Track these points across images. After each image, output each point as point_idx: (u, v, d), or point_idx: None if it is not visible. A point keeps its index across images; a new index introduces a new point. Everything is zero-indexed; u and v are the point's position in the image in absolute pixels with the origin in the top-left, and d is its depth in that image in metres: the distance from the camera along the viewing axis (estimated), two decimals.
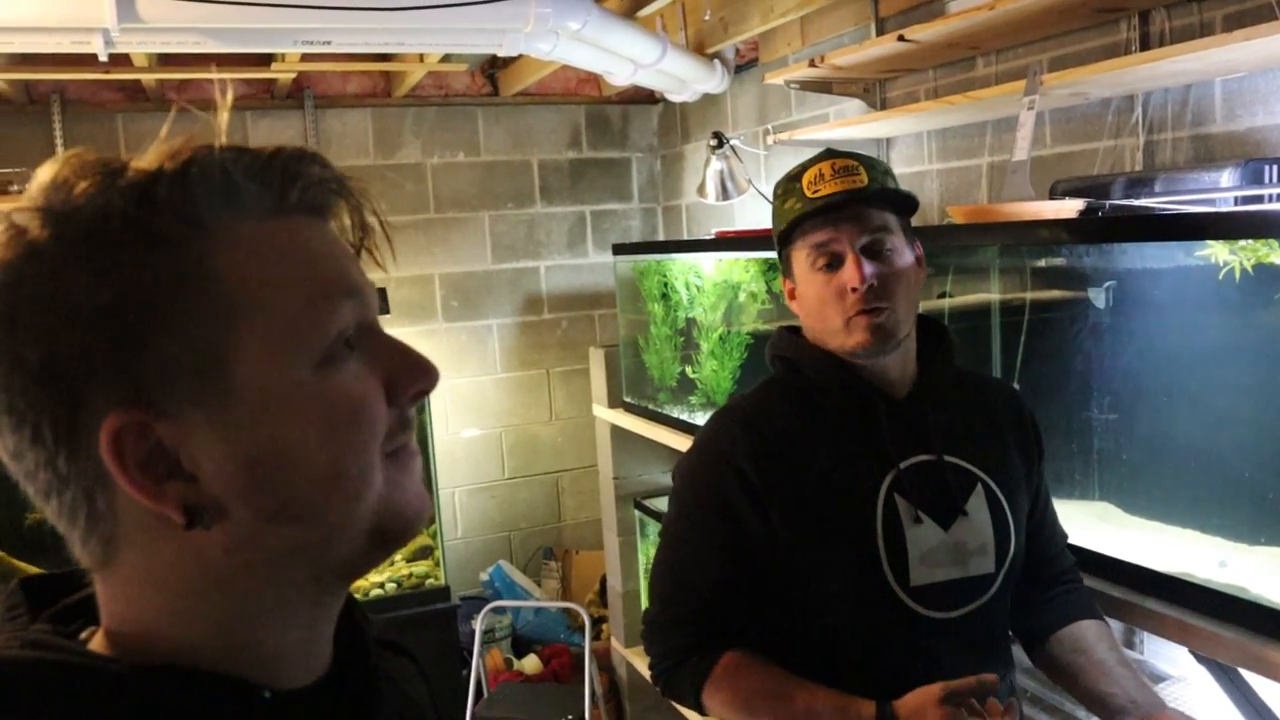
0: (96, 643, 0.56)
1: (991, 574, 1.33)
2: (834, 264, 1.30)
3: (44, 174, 0.53)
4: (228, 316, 0.53)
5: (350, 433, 0.55)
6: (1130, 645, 2.05)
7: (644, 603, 3.39)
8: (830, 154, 1.33)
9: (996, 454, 1.38)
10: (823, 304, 1.31)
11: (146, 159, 0.54)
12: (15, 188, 3.12)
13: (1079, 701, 1.37)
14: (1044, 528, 1.45)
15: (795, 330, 1.42)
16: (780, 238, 1.37)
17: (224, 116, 0.58)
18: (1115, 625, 2.03)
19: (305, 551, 0.56)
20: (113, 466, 0.51)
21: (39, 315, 0.50)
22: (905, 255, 1.32)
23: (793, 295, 1.39)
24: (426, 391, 0.60)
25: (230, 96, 0.60)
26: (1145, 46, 1.97)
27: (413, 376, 0.59)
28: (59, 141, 3.35)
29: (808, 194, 1.31)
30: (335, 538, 0.56)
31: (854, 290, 1.28)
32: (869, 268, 1.28)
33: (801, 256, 1.33)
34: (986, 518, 1.33)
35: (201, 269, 0.53)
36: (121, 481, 0.51)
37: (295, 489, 0.54)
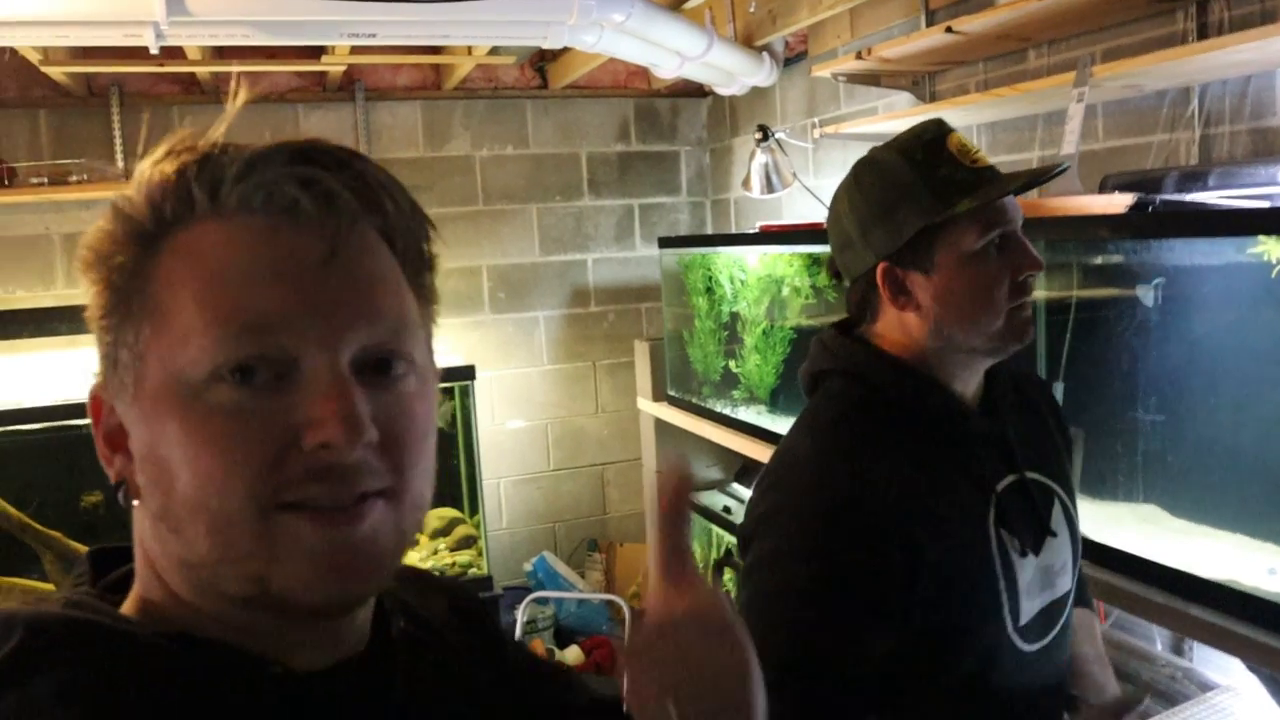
0: (127, 607, 0.59)
1: (1069, 590, 1.22)
2: (1001, 246, 1.12)
3: (142, 164, 0.59)
4: (148, 317, 0.56)
5: (212, 467, 0.53)
6: (1179, 652, 1.99)
7: None
8: (947, 124, 1.15)
9: (1057, 458, 1.28)
10: (985, 295, 1.11)
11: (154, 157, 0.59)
12: (74, 178, 3.21)
13: None
14: None
15: (847, 334, 1.23)
16: (925, 214, 1.11)
17: (230, 116, 0.59)
18: (1164, 633, 1.98)
19: (198, 569, 0.56)
20: (93, 428, 0.60)
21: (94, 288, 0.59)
22: None
23: (900, 290, 1.15)
24: (329, 447, 0.53)
25: (241, 97, 0.60)
26: (1203, 37, 1.91)
27: (315, 428, 0.53)
28: (117, 133, 3.42)
29: (966, 163, 1.10)
30: (222, 573, 0.55)
31: (1026, 279, 1.12)
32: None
33: (967, 238, 1.10)
34: (1066, 533, 1.21)
35: (149, 270, 0.56)
36: (96, 442, 0.60)
37: (169, 500, 0.55)
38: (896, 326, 1.18)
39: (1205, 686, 1.83)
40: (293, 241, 0.55)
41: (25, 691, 0.51)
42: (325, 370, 0.54)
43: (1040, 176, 1.15)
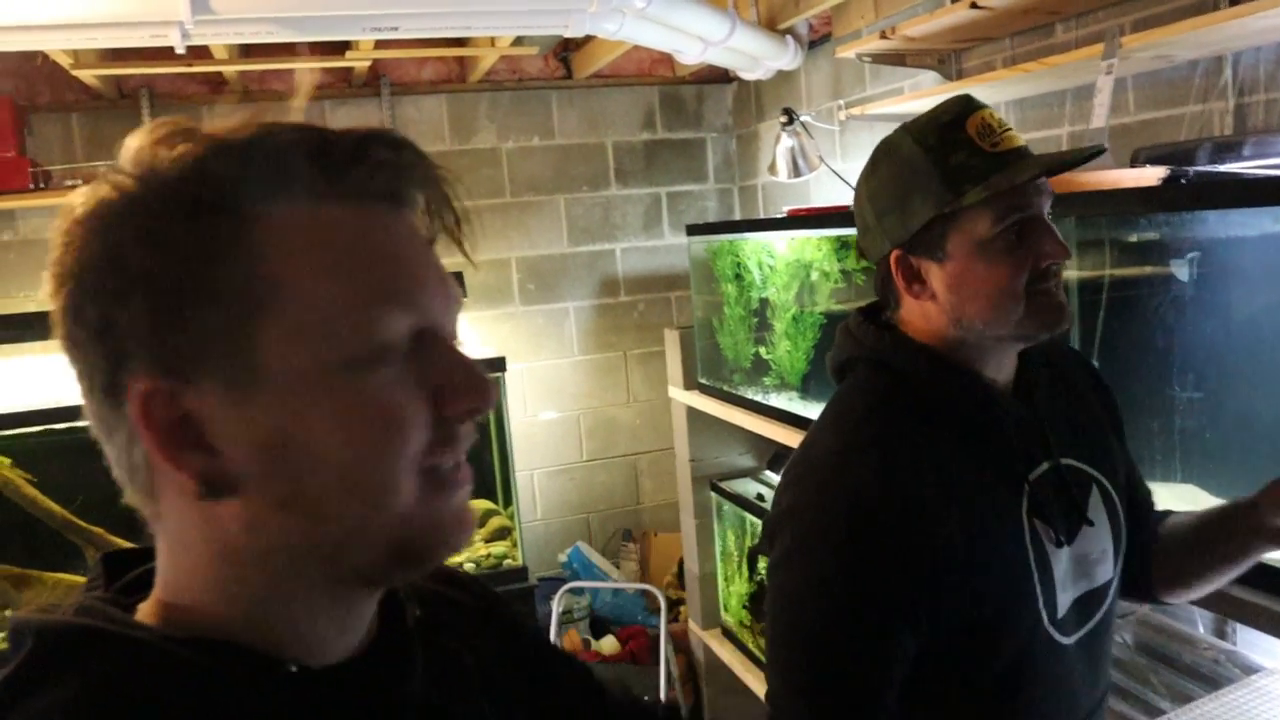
0: (144, 610, 0.58)
1: (1110, 579, 1.18)
2: (1020, 234, 1.07)
3: (131, 139, 0.56)
4: (262, 297, 0.53)
5: (375, 439, 0.55)
6: (1222, 635, 1.96)
7: (720, 587, 3.37)
8: (974, 101, 1.10)
9: (1097, 440, 1.23)
10: (1000, 285, 1.07)
11: (218, 132, 0.55)
12: None
13: (1211, 551, 1.20)
14: (1137, 485, 1.31)
15: (873, 320, 1.20)
16: (936, 203, 1.08)
17: (300, 101, 0.59)
18: (1206, 616, 1.95)
19: (317, 549, 0.56)
20: (139, 428, 0.53)
21: (98, 274, 0.53)
22: None
23: (914, 279, 1.12)
24: (477, 411, 0.58)
25: (309, 81, 0.62)
26: (1235, 3, 1.86)
27: (462, 394, 0.57)
28: None
29: (984, 147, 1.05)
30: (351, 543, 0.56)
31: (1048, 266, 1.07)
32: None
33: (979, 226, 1.06)
34: (1105, 521, 1.17)
35: (244, 246, 0.53)
36: (146, 443, 0.54)
37: (308, 482, 0.54)
38: (919, 314, 1.15)
39: (1249, 669, 1.80)
40: (409, 224, 0.58)
41: (36, 702, 0.51)
42: (451, 342, 0.59)
43: (1066, 160, 1.08)
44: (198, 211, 0.53)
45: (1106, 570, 1.17)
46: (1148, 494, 1.33)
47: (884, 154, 1.15)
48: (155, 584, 0.59)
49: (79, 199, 0.55)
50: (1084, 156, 1.10)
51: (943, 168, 1.07)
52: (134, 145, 0.55)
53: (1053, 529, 1.11)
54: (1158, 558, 1.25)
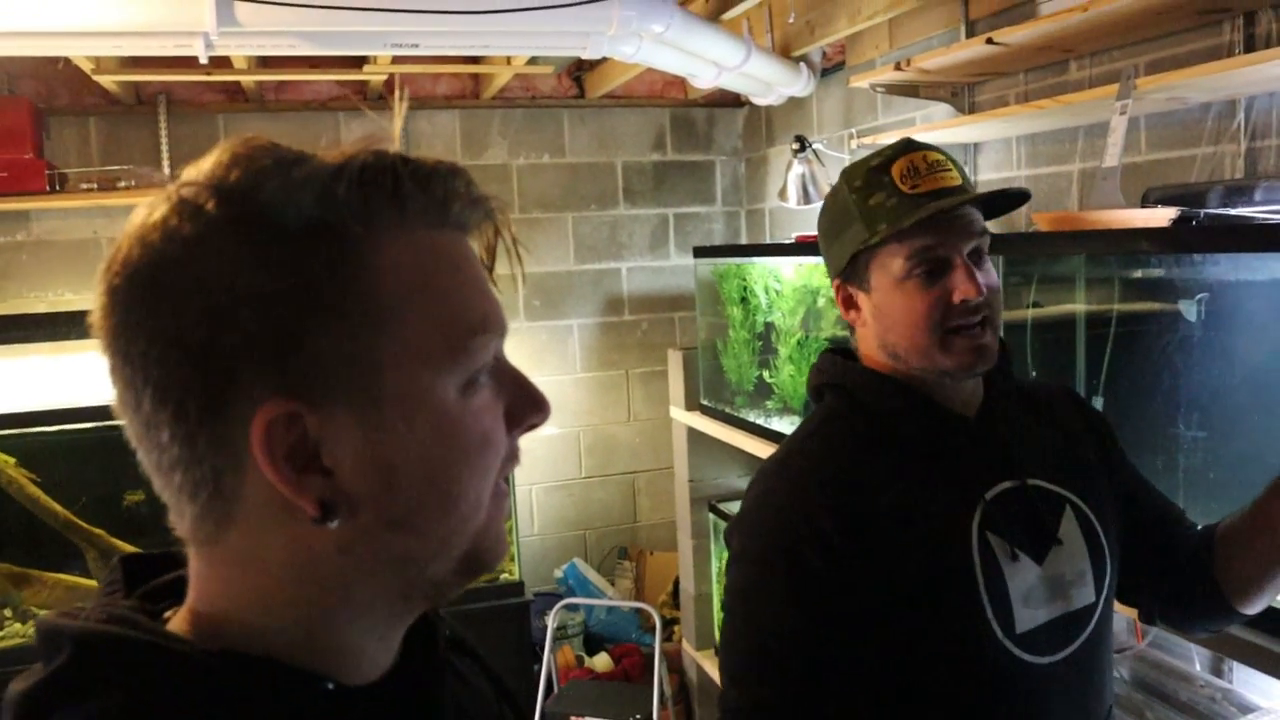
0: (176, 622, 0.57)
1: (1093, 603, 1.19)
2: (934, 273, 1.14)
3: (217, 154, 0.54)
4: (386, 320, 0.53)
5: (478, 459, 0.57)
6: (1219, 673, 1.97)
7: (716, 608, 3.37)
8: (914, 145, 1.17)
9: (1076, 466, 1.25)
10: (914, 319, 1.14)
11: (325, 155, 0.54)
12: (122, 184, 3.28)
13: (1269, 538, 1.18)
14: (1157, 507, 1.31)
15: (841, 353, 1.28)
16: (856, 239, 1.17)
17: (398, 123, 0.60)
18: (1203, 653, 1.96)
19: (409, 564, 0.57)
20: (260, 454, 0.51)
21: (206, 295, 0.51)
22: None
23: (850, 305, 1.22)
24: (539, 425, 0.61)
25: (405, 103, 0.63)
26: (1250, 49, 1.89)
27: (531, 411, 0.60)
28: (164, 141, 3.49)
29: (903, 189, 1.13)
30: (438, 558, 0.57)
31: (963, 303, 1.12)
32: (980, 278, 1.13)
33: (894, 263, 1.14)
34: (1081, 543, 1.19)
35: (368, 270, 0.53)
36: (266, 470, 0.52)
37: (421, 501, 0.55)
38: (862, 339, 1.24)
39: (1245, 708, 1.81)
40: (475, 250, 0.60)
41: (77, 710, 0.51)
42: (510, 364, 0.61)
43: (968, 200, 1.13)
44: (324, 236, 0.52)
45: (1087, 594, 1.19)
46: (1178, 514, 1.33)
47: (829, 194, 1.25)
48: (189, 596, 0.58)
49: (159, 211, 0.53)
50: (991, 198, 1.16)
51: (862, 207, 1.16)
52: (224, 159, 0.54)
53: (1010, 544, 1.14)
54: (1219, 569, 1.23)
